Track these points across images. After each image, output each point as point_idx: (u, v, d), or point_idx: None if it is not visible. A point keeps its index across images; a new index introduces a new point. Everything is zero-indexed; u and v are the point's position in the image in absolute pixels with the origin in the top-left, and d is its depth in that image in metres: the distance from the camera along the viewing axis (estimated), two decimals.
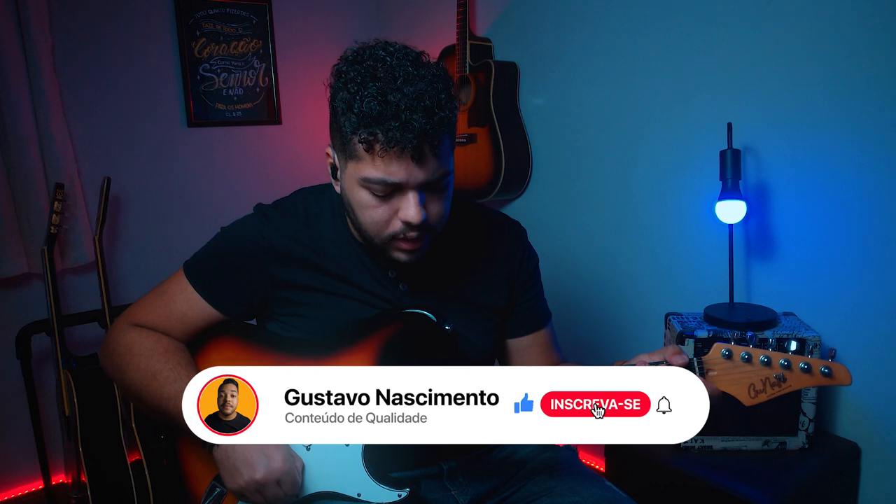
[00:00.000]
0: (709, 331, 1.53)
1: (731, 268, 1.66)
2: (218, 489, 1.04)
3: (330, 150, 1.07)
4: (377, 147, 0.95)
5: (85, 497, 1.91)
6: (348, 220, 1.12)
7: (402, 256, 1.05)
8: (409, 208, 0.98)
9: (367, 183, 0.98)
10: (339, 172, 1.06)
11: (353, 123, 0.96)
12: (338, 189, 1.09)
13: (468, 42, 2.29)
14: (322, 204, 1.17)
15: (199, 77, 2.43)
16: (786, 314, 1.64)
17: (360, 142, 0.96)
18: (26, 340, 2.07)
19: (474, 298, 1.18)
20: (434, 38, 2.50)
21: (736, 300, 1.68)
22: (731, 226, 1.65)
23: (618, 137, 2.07)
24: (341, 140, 1.00)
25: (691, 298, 1.87)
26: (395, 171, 0.96)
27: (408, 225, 1.00)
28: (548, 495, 1.11)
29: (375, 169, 0.96)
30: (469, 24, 2.30)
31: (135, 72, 2.31)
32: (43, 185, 2.08)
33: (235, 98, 2.53)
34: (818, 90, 1.62)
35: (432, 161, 0.97)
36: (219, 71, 2.47)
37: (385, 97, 0.93)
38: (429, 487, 1.14)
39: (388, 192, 0.99)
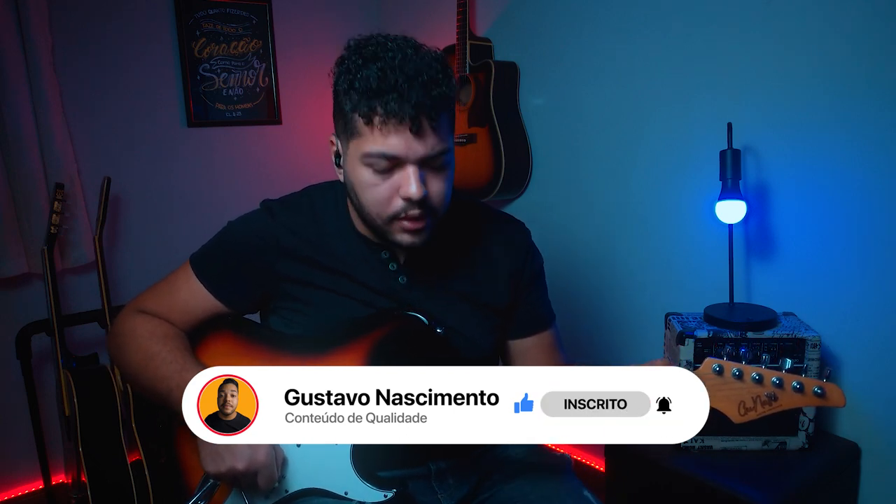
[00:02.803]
0: (709, 331, 1.53)
1: (731, 268, 1.66)
2: (211, 480, 1.05)
3: (333, 139, 1.09)
4: (376, 120, 0.97)
5: (85, 497, 1.90)
6: (351, 210, 1.13)
7: (405, 238, 1.05)
8: (409, 184, 0.99)
9: (368, 158, 1.00)
10: (341, 158, 1.08)
11: (354, 100, 0.98)
12: (341, 177, 1.11)
13: (468, 42, 2.29)
14: (327, 199, 1.18)
15: (199, 77, 2.43)
16: (786, 314, 1.64)
17: (360, 116, 0.98)
18: (26, 340, 2.07)
19: (475, 296, 1.18)
20: (434, 38, 2.49)
21: (736, 300, 1.68)
22: (731, 226, 1.65)
23: (618, 137, 2.07)
24: (343, 121, 1.02)
25: (691, 298, 1.87)
26: (394, 143, 0.97)
27: (409, 202, 1.01)
28: (521, 501, 1.11)
29: (375, 142, 0.98)
30: (469, 24, 2.30)
31: (135, 72, 2.31)
32: (43, 185, 2.08)
33: (235, 98, 2.53)
34: (818, 90, 1.62)
35: (431, 136, 0.99)
36: (219, 71, 2.47)
37: (384, 73, 0.96)
38: (417, 488, 1.14)
39: (389, 167, 1.00)
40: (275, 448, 1.02)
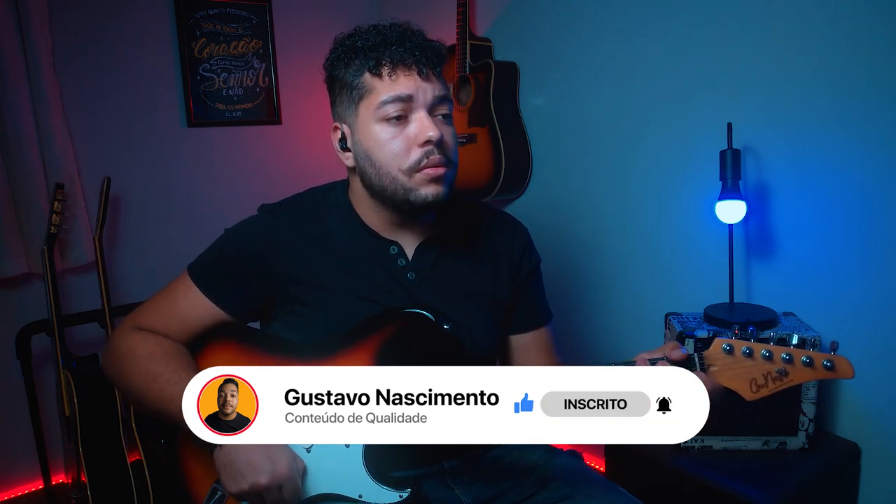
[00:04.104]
0: (709, 331, 1.53)
1: (731, 268, 1.66)
2: (219, 492, 1.04)
3: (336, 125, 1.13)
4: (385, 70, 1.05)
5: (85, 497, 1.90)
6: (359, 200, 1.15)
7: (429, 190, 1.07)
8: (425, 127, 1.05)
9: (382, 108, 1.05)
10: (349, 138, 1.11)
11: (358, 64, 1.07)
12: (348, 161, 1.13)
13: (468, 42, 2.29)
14: (329, 198, 1.19)
15: (199, 77, 2.43)
16: (786, 314, 1.64)
17: (368, 71, 1.06)
18: (26, 340, 2.07)
19: (481, 294, 1.19)
20: (434, 38, 2.49)
21: (736, 300, 1.68)
22: (731, 226, 1.65)
23: (618, 137, 2.07)
24: (349, 94, 1.08)
25: (691, 298, 1.87)
26: (405, 85, 1.05)
27: (427, 145, 1.05)
28: (566, 500, 1.11)
29: (386, 89, 1.05)
30: (469, 24, 2.30)
31: (135, 72, 2.31)
32: (43, 185, 2.08)
33: (235, 98, 2.53)
34: (818, 90, 1.62)
35: (435, 80, 1.08)
36: (219, 71, 2.47)
37: (382, 33, 1.08)
38: (432, 487, 1.14)
39: (402, 112, 1.05)
40: (294, 459, 1.00)
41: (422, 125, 1.05)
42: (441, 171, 1.07)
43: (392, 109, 1.05)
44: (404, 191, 1.07)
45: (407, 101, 1.05)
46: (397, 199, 1.08)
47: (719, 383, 0.95)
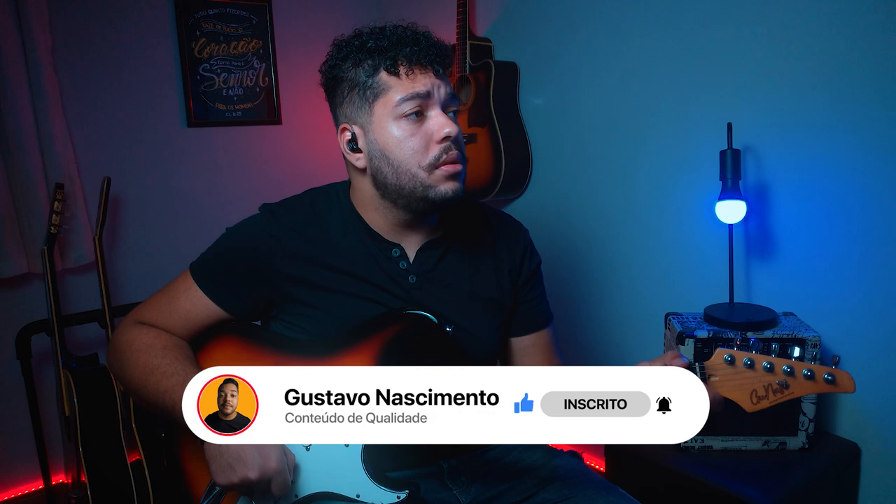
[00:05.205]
0: (709, 331, 1.53)
1: (731, 268, 1.66)
2: (218, 488, 1.04)
3: (345, 126, 1.12)
4: (402, 70, 1.07)
5: (85, 497, 1.91)
6: (365, 203, 1.15)
7: (448, 186, 1.08)
8: (443, 123, 1.07)
9: (400, 106, 1.06)
10: (361, 140, 1.10)
11: (371, 63, 1.08)
12: (358, 163, 1.12)
13: (468, 42, 2.29)
14: (330, 199, 1.19)
15: (199, 77, 2.43)
16: (786, 314, 1.64)
17: (384, 70, 1.07)
18: (26, 340, 2.07)
19: (483, 295, 1.19)
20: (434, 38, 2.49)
21: (736, 300, 1.68)
22: (731, 226, 1.65)
23: (618, 137, 2.07)
24: (361, 93, 1.09)
25: (691, 298, 1.87)
26: (423, 82, 1.07)
27: (446, 142, 1.06)
28: (566, 501, 1.11)
29: (405, 88, 1.06)
30: (469, 24, 2.30)
31: (135, 72, 2.31)
32: (43, 185, 2.08)
33: (235, 98, 2.53)
34: (818, 90, 1.62)
35: (446, 79, 1.11)
36: (219, 71, 2.47)
37: (395, 32, 1.09)
38: (430, 487, 1.14)
39: (420, 108, 1.07)
40: (285, 452, 1.00)
41: (439, 122, 1.07)
42: (458, 167, 1.08)
43: (409, 107, 1.06)
44: (423, 188, 1.07)
45: (425, 97, 1.07)
46: (415, 196, 1.08)
47: (719, 394, 0.96)
